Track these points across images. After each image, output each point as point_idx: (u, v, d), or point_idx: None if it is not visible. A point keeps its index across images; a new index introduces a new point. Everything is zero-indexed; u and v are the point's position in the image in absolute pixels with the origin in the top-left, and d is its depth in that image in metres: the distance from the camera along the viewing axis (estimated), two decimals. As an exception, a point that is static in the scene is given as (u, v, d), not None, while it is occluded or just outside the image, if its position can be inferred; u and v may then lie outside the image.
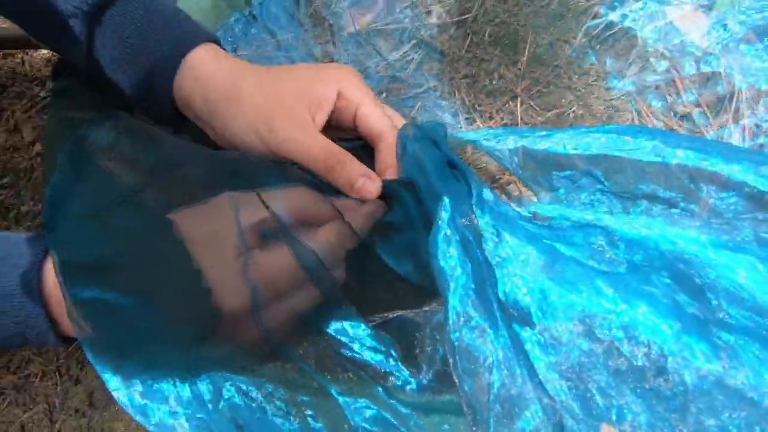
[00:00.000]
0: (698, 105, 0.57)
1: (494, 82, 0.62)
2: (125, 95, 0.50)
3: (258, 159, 0.45)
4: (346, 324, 0.41)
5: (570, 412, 0.35)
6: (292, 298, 0.40)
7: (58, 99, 0.55)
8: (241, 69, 0.48)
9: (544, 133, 0.41)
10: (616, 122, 0.59)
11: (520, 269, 0.40)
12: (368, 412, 0.39)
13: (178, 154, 0.45)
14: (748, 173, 0.33)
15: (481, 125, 0.60)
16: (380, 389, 0.40)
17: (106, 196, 0.41)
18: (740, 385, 0.32)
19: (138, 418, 0.35)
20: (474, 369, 0.35)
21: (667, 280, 0.37)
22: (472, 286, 0.36)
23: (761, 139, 0.55)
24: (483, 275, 0.37)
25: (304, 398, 0.39)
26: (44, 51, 0.77)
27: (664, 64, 0.59)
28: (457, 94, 0.62)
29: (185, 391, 0.36)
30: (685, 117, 0.57)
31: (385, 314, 0.41)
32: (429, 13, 0.66)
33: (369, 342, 0.40)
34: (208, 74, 0.47)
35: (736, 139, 0.55)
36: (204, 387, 0.37)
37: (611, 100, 0.60)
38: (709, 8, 0.60)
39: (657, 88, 0.59)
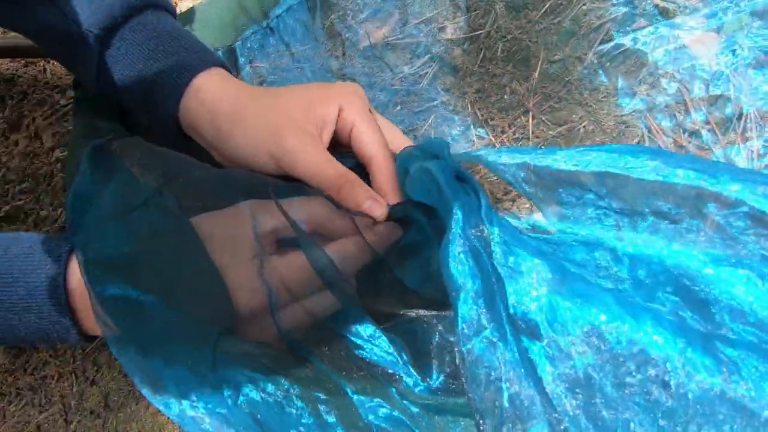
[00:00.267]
0: (707, 123, 0.58)
1: (506, 97, 0.63)
2: (133, 116, 0.52)
3: (269, 177, 0.46)
4: (359, 327, 0.42)
5: (576, 425, 0.35)
6: (308, 301, 0.41)
7: (80, 107, 0.57)
8: (247, 90, 0.49)
9: (544, 151, 0.41)
10: (627, 138, 0.60)
11: (529, 282, 0.40)
12: (382, 411, 0.40)
13: (195, 170, 0.46)
14: (748, 193, 0.33)
15: (493, 139, 0.61)
16: (393, 389, 0.40)
17: (129, 198, 0.41)
18: (740, 398, 0.32)
19: (161, 407, 0.36)
20: (483, 380, 0.35)
21: (672, 296, 0.37)
22: (483, 297, 0.37)
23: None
24: (493, 287, 0.38)
25: (320, 395, 0.40)
26: (66, 59, 0.79)
27: (674, 86, 0.60)
28: (469, 108, 0.63)
29: (206, 387, 0.37)
30: (694, 134, 0.58)
31: (397, 315, 0.42)
32: (443, 28, 0.67)
33: (381, 344, 0.41)
34: (215, 97, 0.48)
35: (744, 158, 0.56)
36: (223, 383, 0.38)
37: (622, 116, 0.60)
38: (717, 30, 0.61)
39: (667, 106, 0.60)
